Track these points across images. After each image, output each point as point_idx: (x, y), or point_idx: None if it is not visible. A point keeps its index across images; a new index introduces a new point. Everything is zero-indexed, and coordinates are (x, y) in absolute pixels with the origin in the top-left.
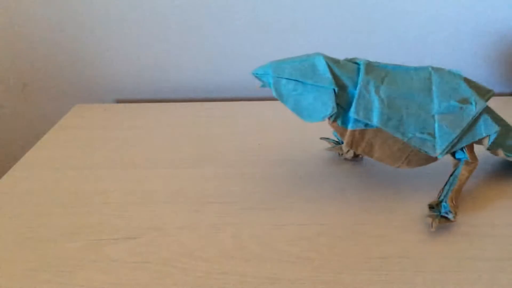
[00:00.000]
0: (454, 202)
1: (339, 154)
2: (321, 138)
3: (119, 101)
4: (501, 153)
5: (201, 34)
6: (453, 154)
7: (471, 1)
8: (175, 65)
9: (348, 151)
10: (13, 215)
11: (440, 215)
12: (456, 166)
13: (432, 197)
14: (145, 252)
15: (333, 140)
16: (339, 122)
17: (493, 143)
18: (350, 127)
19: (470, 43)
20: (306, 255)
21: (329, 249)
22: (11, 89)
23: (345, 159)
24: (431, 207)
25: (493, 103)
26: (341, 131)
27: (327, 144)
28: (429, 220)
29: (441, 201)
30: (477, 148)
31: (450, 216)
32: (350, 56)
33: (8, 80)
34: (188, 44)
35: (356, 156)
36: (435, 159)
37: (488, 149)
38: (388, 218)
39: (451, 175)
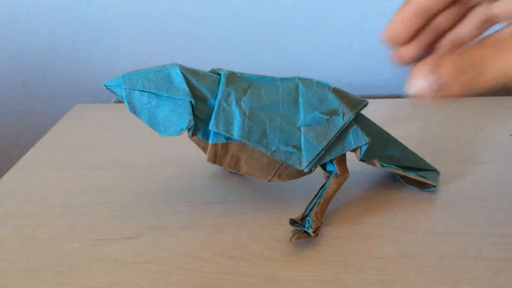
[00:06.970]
0: (318, 216)
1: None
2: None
3: (119, 101)
4: (377, 164)
5: (201, 34)
6: (324, 167)
7: None
8: None
9: None
10: (13, 215)
11: (304, 230)
12: (327, 179)
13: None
14: (145, 252)
15: None
16: (199, 135)
17: (368, 154)
18: (211, 141)
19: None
20: (306, 255)
21: (329, 249)
22: (11, 89)
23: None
24: (293, 222)
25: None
26: (203, 145)
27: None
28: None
29: (306, 216)
30: None
31: (310, 231)
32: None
33: (8, 80)
34: (188, 44)
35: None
36: (308, 172)
37: (362, 160)
38: (388, 218)
39: (320, 188)
